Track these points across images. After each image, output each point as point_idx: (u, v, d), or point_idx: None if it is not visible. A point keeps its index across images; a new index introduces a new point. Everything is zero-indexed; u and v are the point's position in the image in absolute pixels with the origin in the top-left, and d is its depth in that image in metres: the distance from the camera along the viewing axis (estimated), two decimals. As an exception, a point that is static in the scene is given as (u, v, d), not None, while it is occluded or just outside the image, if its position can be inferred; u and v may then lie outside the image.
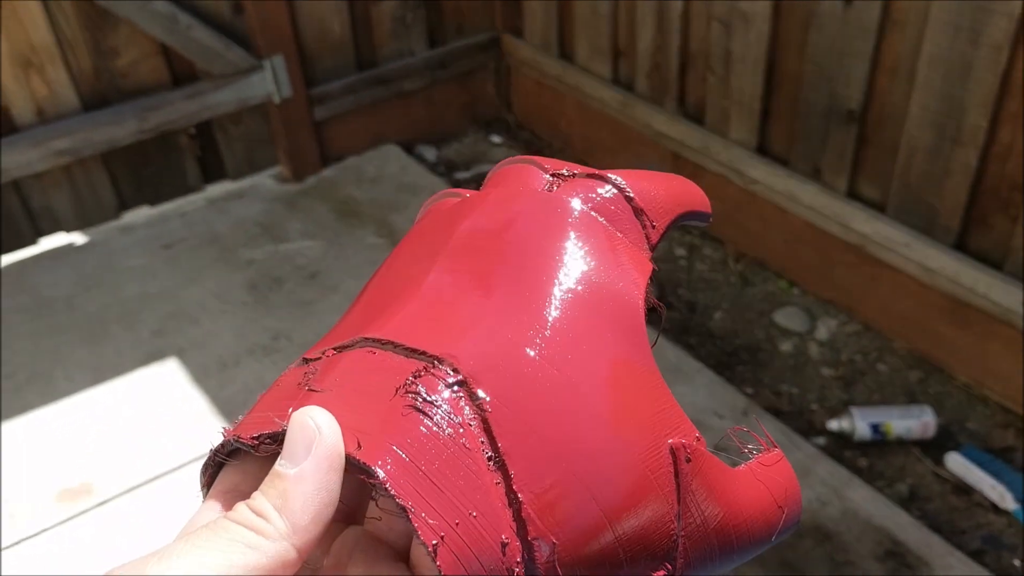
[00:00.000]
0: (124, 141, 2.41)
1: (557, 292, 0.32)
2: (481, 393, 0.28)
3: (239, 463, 0.31)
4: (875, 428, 1.86)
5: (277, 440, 0.28)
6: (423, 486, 0.26)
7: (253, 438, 0.29)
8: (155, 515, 1.72)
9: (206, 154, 2.62)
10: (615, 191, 0.35)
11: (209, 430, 1.90)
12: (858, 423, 1.86)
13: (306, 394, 0.29)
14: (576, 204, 0.35)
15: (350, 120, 2.74)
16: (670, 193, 0.37)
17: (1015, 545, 1.69)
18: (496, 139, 2.96)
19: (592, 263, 0.33)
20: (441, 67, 2.83)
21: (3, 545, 1.68)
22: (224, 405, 1.96)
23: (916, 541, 1.63)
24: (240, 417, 0.32)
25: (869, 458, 1.87)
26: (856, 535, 1.65)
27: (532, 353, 0.30)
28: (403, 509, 0.26)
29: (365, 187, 2.67)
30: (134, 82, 2.42)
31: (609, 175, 0.36)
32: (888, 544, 1.63)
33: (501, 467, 0.27)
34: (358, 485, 0.29)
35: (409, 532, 0.31)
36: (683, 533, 0.30)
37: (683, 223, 0.38)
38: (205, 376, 2.04)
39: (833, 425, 1.90)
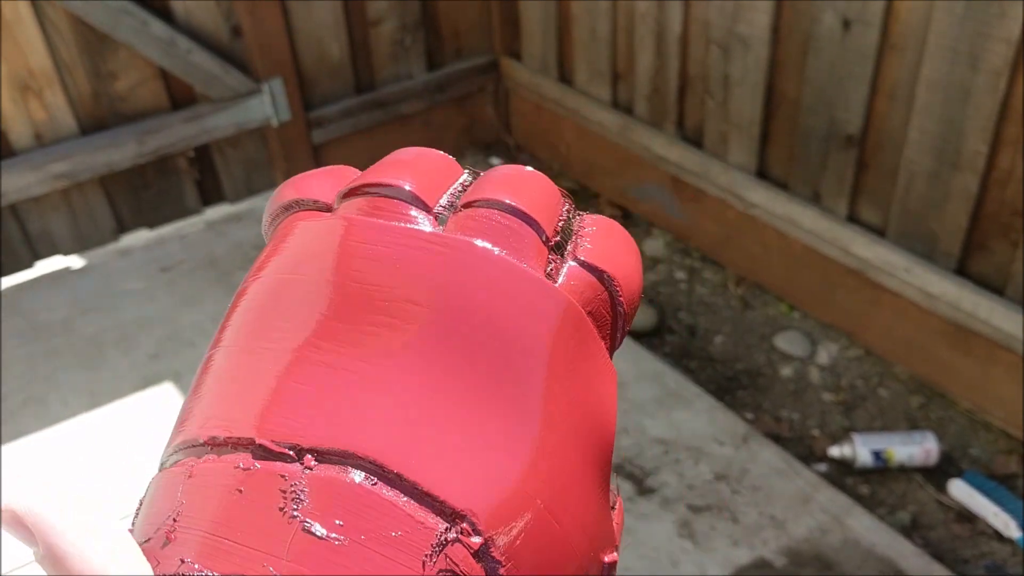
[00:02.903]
0: (122, 165, 2.41)
1: (557, 419, 0.27)
2: (499, 556, 0.25)
3: None
4: (877, 455, 1.84)
5: None
6: None
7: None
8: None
9: (204, 177, 2.62)
10: (606, 293, 0.30)
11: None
12: (859, 449, 1.85)
13: (304, 537, 0.24)
14: (577, 304, 0.29)
15: (348, 143, 2.73)
16: (640, 286, 0.32)
17: (1019, 574, 1.67)
18: (495, 162, 2.96)
19: (587, 383, 0.29)
20: (440, 90, 2.84)
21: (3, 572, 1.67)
22: (220, 431, 1.95)
23: (919, 570, 1.61)
24: (177, 530, 0.25)
25: (871, 485, 1.85)
26: (858, 564, 1.63)
27: (540, 502, 0.26)
28: None
29: (364, 210, 2.67)
30: (133, 106, 2.42)
31: (605, 273, 0.30)
32: (890, 573, 1.61)
33: None
34: None
35: None
36: None
37: None
38: (201, 401, 2.03)
39: (834, 451, 1.88)
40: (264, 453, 0.25)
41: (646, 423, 1.92)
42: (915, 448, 1.84)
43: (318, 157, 2.69)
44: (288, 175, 2.62)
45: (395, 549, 0.24)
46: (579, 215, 0.32)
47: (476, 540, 0.25)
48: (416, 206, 0.30)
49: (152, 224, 2.59)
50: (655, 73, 2.38)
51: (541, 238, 0.29)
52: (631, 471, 1.82)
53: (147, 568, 0.24)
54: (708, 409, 1.95)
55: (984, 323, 1.82)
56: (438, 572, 0.24)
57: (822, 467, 1.88)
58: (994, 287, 1.83)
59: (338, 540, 0.24)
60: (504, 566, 0.25)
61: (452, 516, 0.25)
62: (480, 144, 3.02)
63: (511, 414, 0.27)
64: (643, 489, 1.78)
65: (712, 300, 2.35)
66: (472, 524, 0.25)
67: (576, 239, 0.31)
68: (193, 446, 0.27)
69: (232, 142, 2.59)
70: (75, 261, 2.50)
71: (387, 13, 2.65)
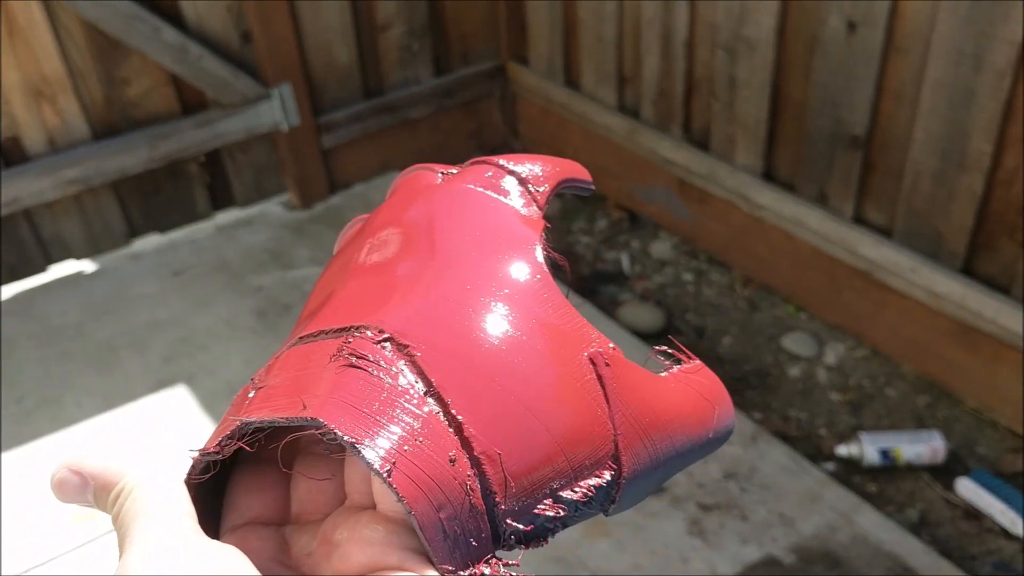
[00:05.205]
0: (134, 170, 2.43)
1: (461, 253, 0.36)
2: (407, 342, 0.31)
3: (246, 485, 0.34)
4: (884, 453, 1.85)
5: (234, 437, 0.30)
6: (367, 423, 0.29)
7: (216, 445, 0.30)
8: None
9: (215, 182, 2.64)
10: (497, 169, 0.41)
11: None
12: (867, 448, 1.86)
13: (253, 394, 0.32)
14: (466, 186, 0.40)
15: (357, 148, 2.76)
16: (550, 165, 0.42)
17: (1027, 571, 1.68)
18: (503, 165, 2.97)
19: (487, 225, 0.38)
20: (447, 95, 2.86)
21: (13, 573, 1.68)
22: (233, 432, 1.96)
23: (926, 567, 1.62)
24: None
25: (878, 484, 1.87)
26: (866, 561, 1.64)
27: (448, 302, 0.33)
28: (352, 446, 0.28)
29: (373, 214, 2.68)
30: (144, 111, 2.44)
31: (491, 158, 0.41)
32: (898, 570, 1.62)
33: (437, 398, 0.30)
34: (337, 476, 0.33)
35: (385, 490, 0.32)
36: (619, 431, 0.32)
37: (567, 189, 0.43)
38: (215, 402, 2.05)
39: (842, 450, 1.89)
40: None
41: (655, 423, 1.93)
42: (922, 447, 1.85)
43: (327, 162, 2.71)
44: (298, 180, 2.65)
45: (319, 362, 0.32)
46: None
47: (373, 333, 0.32)
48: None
49: (163, 228, 2.61)
50: (661, 76, 2.40)
51: (430, 170, 0.42)
52: (640, 470, 1.83)
53: (175, 474, 0.31)
54: (716, 409, 1.96)
55: (990, 322, 1.83)
56: (341, 357, 0.31)
57: (830, 466, 1.90)
58: (1000, 286, 1.84)
59: (275, 382, 0.32)
60: (418, 348, 0.31)
61: (357, 328, 0.33)
62: (487, 148, 3.04)
63: (415, 265, 0.36)
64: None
65: (719, 301, 2.37)
66: (376, 327, 0.32)
67: None
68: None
69: (242, 147, 2.61)
70: (88, 265, 2.53)
71: (395, 18, 2.67)
